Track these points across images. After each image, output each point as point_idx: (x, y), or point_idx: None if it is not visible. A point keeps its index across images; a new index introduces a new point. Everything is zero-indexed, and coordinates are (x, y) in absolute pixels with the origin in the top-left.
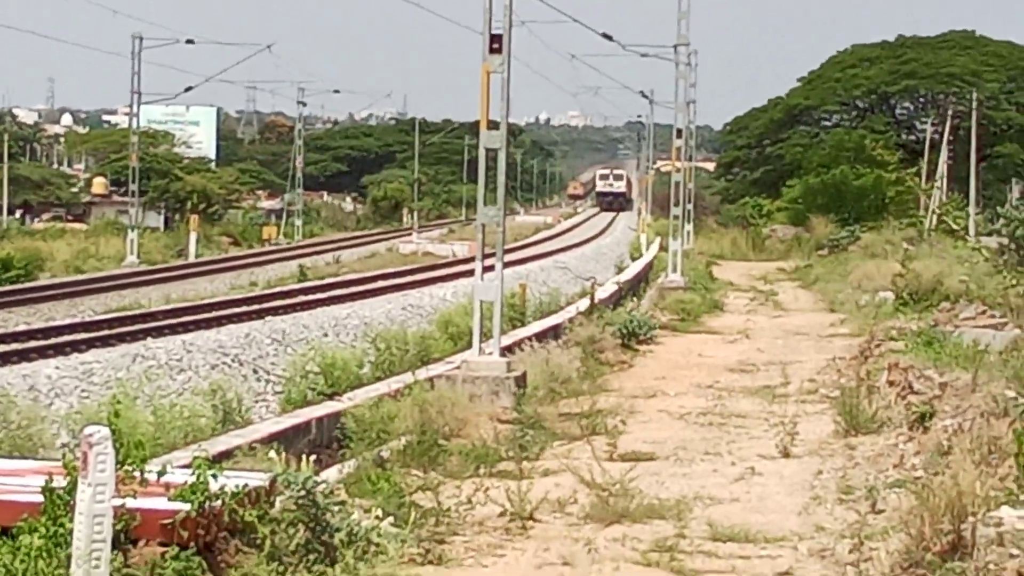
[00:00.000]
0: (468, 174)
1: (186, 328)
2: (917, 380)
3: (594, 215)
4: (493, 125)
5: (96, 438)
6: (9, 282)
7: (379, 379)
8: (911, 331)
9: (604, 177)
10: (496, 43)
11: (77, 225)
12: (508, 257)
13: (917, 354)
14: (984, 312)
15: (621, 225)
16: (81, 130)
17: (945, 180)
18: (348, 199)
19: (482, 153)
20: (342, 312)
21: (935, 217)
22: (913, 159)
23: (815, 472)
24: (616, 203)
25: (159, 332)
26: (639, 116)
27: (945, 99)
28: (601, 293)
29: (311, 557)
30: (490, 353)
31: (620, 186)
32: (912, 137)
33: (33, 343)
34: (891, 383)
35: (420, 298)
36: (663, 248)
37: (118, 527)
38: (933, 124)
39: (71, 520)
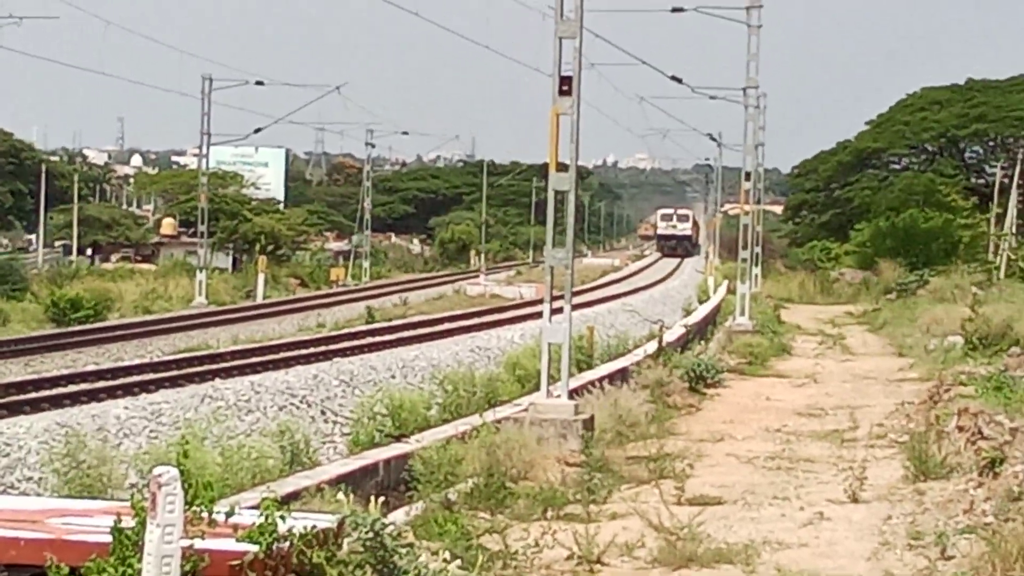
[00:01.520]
0: (536, 216)
1: (254, 369)
2: (987, 425)
3: (661, 258)
4: (562, 167)
5: (165, 478)
6: (79, 322)
7: (447, 421)
8: (981, 376)
9: (667, 218)
10: (566, 85)
11: (146, 266)
12: (576, 300)
13: (987, 399)
14: None
15: (688, 268)
16: (150, 171)
17: (1015, 224)
18: (416, 241)
19: (551, 195)
20: (410, 354)
21: (1005, 261)
22: (982, 203)
23: (884, 517)
24: (680, 247)
25: (227, 373)
26: (707, 159)
27: (1015, 143)
28: (669, 336)
29: None
30: (558, 396)
31: (685, 228)
32: (981, 181)
33: (102, 383)
34: (961, 428)
35: (488, 340)
36: (731, 291)
37: (186, 568)
38: (1002, 168)
39: (139, 561)
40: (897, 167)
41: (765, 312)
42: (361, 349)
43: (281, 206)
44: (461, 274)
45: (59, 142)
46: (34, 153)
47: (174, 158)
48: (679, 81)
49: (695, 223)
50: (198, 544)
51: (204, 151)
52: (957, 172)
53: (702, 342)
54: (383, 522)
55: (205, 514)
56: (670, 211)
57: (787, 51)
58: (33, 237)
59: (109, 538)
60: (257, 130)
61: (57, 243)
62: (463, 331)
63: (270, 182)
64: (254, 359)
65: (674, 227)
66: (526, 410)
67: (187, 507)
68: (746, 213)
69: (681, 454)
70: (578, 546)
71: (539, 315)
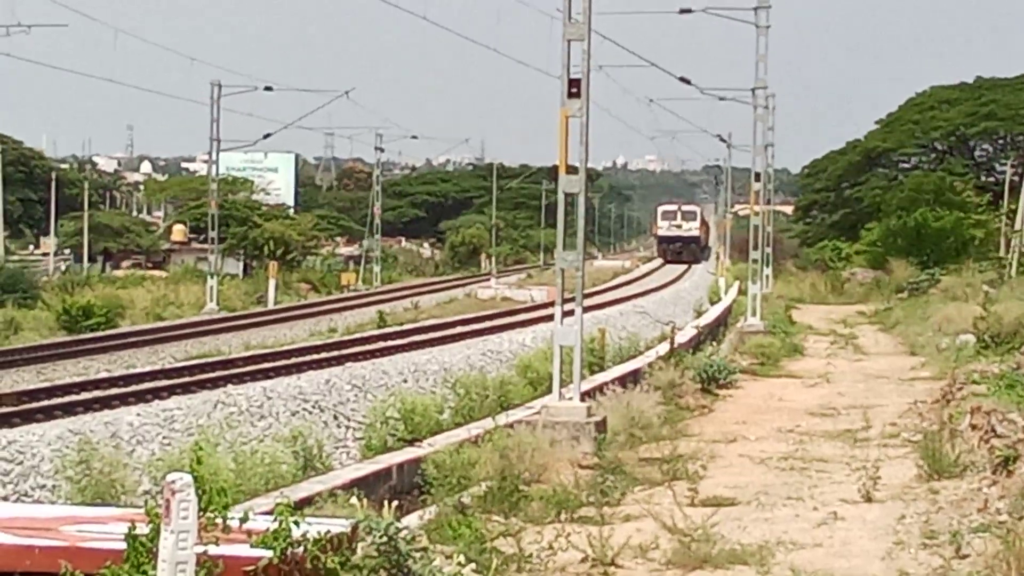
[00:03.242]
0: (546, 219)
1: (266, 375)
2: (1000, 424)
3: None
4: (572, 169)
5: (178, 485)
6: (90, 330)
7: (459, 425)
8: (993, 374)
9: (669, 216)
10: (574, 87)
11: (157, 272)
12: (587, 302)
13: (1000, 397)
14: None
15: (699, 270)
16: (160, 177)
17: None
18: (426, 245)
19: (561, 198)
20: (422, 358)
21: (1017, 258)
22: (993, 201)
23: (898, 517)
24: (687, 251)
25: (240, 379)
26: (717, 160)
27: None
28: (680, 337)
29: None
30: (570, 398)
31: (691, 228)
32: (991, 179)
33: (115, 390)
34: (974, 427)
35: (499, 343)
36: (742, 292)
37: (201, 574)
38: (1013, 166)
39: (154, 567)
40: (907, 166)
41: (776, 312)
42: (373, 354)
43: (291, 211)
44: (472, 278)
45: (69, 150)
46: (44, 161)
47: (184, 165)
48: (688, 82)
49: (703, 222)
50: (212, 550)
51: (214, 157)
52: (967, 171)
53: (714, 343)
54: (397, 526)
55: (219, 520)
56: (673, 207)
57: (796, 51)
58: (51, 241)
59: (123, 545)
60: (266, 135)
61: (66, 251)
62: (474, 335)
63: (280, 187)
64: (266, 364)
65: (678, 227)
66: (538, 413)
67: (201, 513)
68: (756, 214)
69: (694, 455)
70: (592, 548)
71: (550, 318)
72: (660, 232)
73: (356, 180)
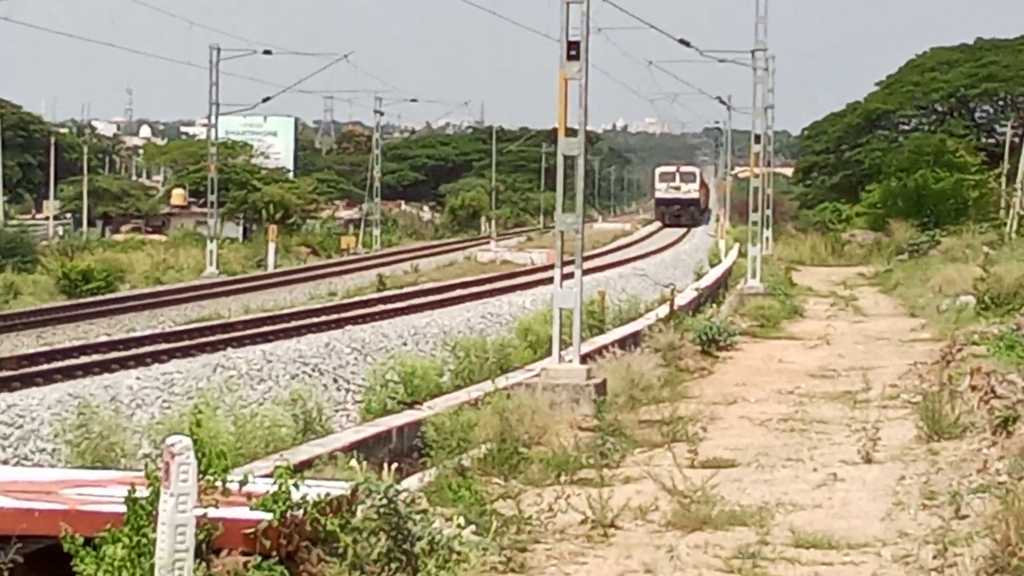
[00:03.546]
0: (546, 182)
1: (266, 338)
2: (1000, 384)
3: (662, 228)
4: (571, 132)
5: (178, 448)
6: (90, 294)
7: (459, 387)
8: (993, 335)
9: (667, 177)
10: (573, 50)
11: (156, 236)
12: (587, 264)
13: (999, 358)
14: None
15: (699, 232)
16: (160, 142)
17: None
18: (426, 208)
19: (560, 160)
20: (421, 321)
21: (1017, 220)
22: (993, 162)
23: (898, 478)
24: (685, 214)
25: (239, 342)
26: (717, 122)
27: None
28: (680, 300)
29: (393, 566)
30: (570, 360)
31: (690, 190)
32: (992, 140)
33: (114, 354)
34: (973, 388)
35: (499, 306)
36: (742, 254)
37: (200, 537)
38: (1013, 127)
39: (154, 530)
40: (907, 128)
41: (776, 275)
42: (373, 317)
43: (291, 175)
44: (472, 241)
45: (68, 114)
46: (43, 125)
47: (183, 129)
48: (687, 44)
49: (703, 183)
50: (212, 513)
51: (213, 121)
52: (967, 132)
53: (714, 305)
54: (396, 489)
55: (219, 483)
56: (671, 169)
57: (796, 13)
58: (51, 204)
59: (123, 508)
60: (266, 99)
61: (67, 215)
62: (474, 297)
63: (279, 151)
64: (266, 328)
65: (676, 188)
66: (538, 375)
67: (201, 476)
68: (756, 176)
69: (694, 417)
70: (592, 510)
71: (550, 281)
72: (658, 195)
73: (355, 143)
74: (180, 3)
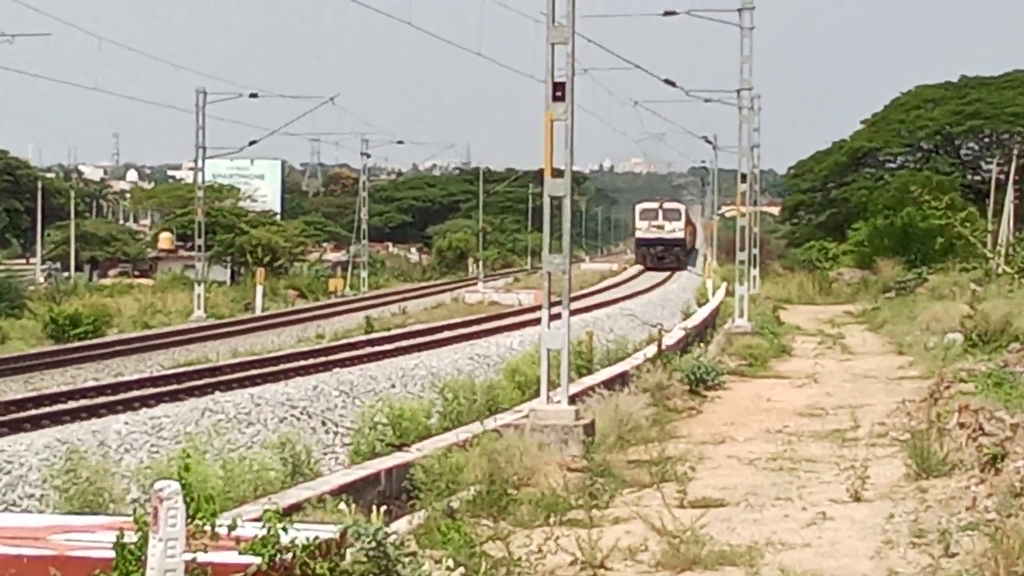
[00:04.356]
0: (533, 222)
1: (254, 381)
2: (988, 422)
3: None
4: (557, 173)
5: (166, 492)
6: (78, 338)
7: (447, 429)
8: (981, 372)
9: (649, 215)
10: (559, 91)
11: (144, 280)
12: (574, 305)
13: (987, 395)
14: None
15: (687, 271)
16: (146, 185)
17: (1012, 220)
18: (413, 250)
19: (547, 201)
20: (409, 363)
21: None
22: (979, 200)
23: (887, 516)
24: (670, 256)
25: (227, 386)
26: (703, 161)
27: (1010, 139)
28: (668, 339)
29: None
30: (558, 401)
31: (675, 229)
32: (978, 177)
33: (102, 399)
34: (962, 425)
35: (487, 347)
36: (729, 293)
37: None
38: (998, 164)
39: (143, 575)
40: (893, 166)
41: (764, 313)
42: (360, 359)
43: (278, 218)
44: (459, 282)
45: (54, 159)
46: (29, 170)
47: (170, 172)
48: (673, 84)
49: (688, 221)
50: (201, 558)
51: (199, 165)
52: (953, 169)
53: (702, 345)
54: (386, 531)
55: (207, 527)
56: (654, 205)
57: (780, 52)
58: (38, 250)
59: (112, 553)
60: (252, 142)
61: (53, 262)
62: (462, 339)
63: (266, 194)
64: (254, 371)
65: (659, 227)
66: (527, 416)
67: (189, 521)
68: (743, 215)
69: (683, 457)
70: (581, 551)
71: (538, 321)
72: (639, 234)
73: (343, 186)
74: (166, 47)
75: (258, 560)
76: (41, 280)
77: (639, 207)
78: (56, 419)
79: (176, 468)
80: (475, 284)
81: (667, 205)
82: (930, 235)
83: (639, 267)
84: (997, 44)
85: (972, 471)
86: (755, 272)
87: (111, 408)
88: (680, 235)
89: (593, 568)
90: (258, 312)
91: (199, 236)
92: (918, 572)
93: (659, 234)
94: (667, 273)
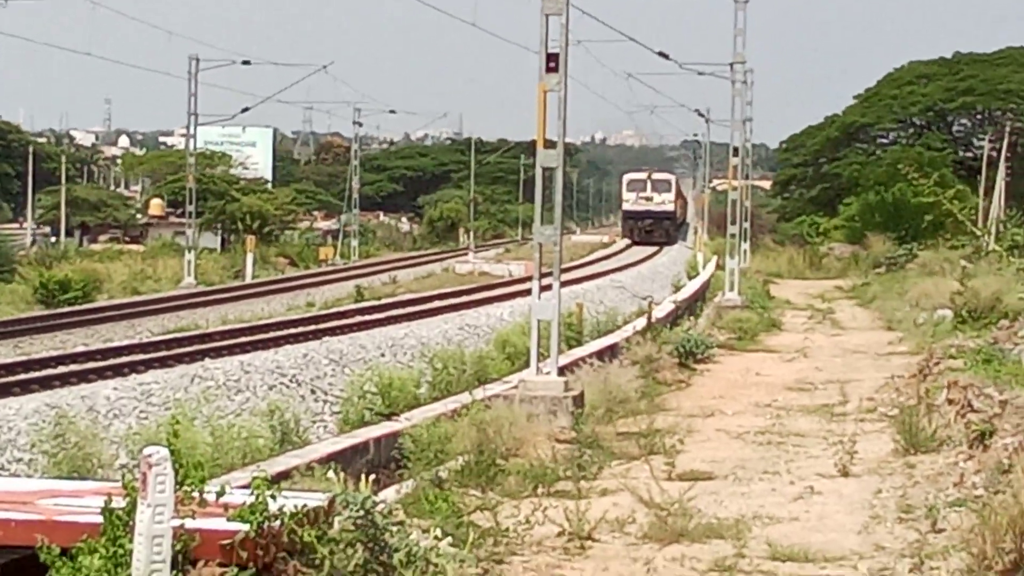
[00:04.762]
0: (524, 194)
1: (243, 349)
2: (976, 398)
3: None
4: (550, 144)
5: (155, 459)
6: (67, 303)
7: (436, 399)
8: (970, 349)
9: (636, 186)
10: (553, 62)
11: (134, 246)
12: (565, 276)
13: (976, 372)
14: None
15: (677, 245)
16: (138, 152)
17: (1003, 197)
18: (404, 219)
19: (539, 172)
20: (399, 332)
21: (995, 233)
22: (970, 176)
23: (874, 491)
24: (659, 229)
25: (217, 353)
26: (695, 135)
27: (1003, 116)
28: (658, 312)
29: None
30: (547, 373)
31: (664, 201)
32: (970, 154)
33: (92, 364)
34: (950, 401)
35: (477, 318)
36: (720, 267)
37: (177, 548)
38: (991, 141)
39: (131, 541)
40: (885, 141)
41: (754, 287)
42: (350, 328)
43: (269, 185)
44: (450, 252)
45: (46, 124)
46: (21, 135)
47: (161, 139)
48: (666, 57)
49: (679, 194)
50: (189, 524)
51: (191, 131)
52: (945, 146)
53: (691, 318)
54: (374, 500)
55: (196, 494)
56: (642, 176)
57: (774, 25)
58: (29, 215)
59: (100, 519)
60: (244, 110)
61: (44, 226)
62: (452, 309)
63: (258, 162)
64: (243, 339)
65: (648, 199)
66: (516, 387)
67: (178, 487)
68: (734, 188)
69: (671, 430)
70: (569, 522)
71: (528, 292)
72: (626, 206)
73: (334, 154)
74: (159, 13)
75: (246, 527)
76: (25, 245)
77: (626, 177)
78: (45, 384)
79: (165, 434)
80: (466, 254)
81: (656, 176)
82: (921, 211)
83: (627, 241)
84: (991, 21)
85: (960, 447)
86: (746, 246)
87: (100, 373)
88: (670, 208)
89: (580, 539)
90: (248, 280)
91: (190, 203)
92: (905, 547)
93: (647, 206)
94: (657, 247)
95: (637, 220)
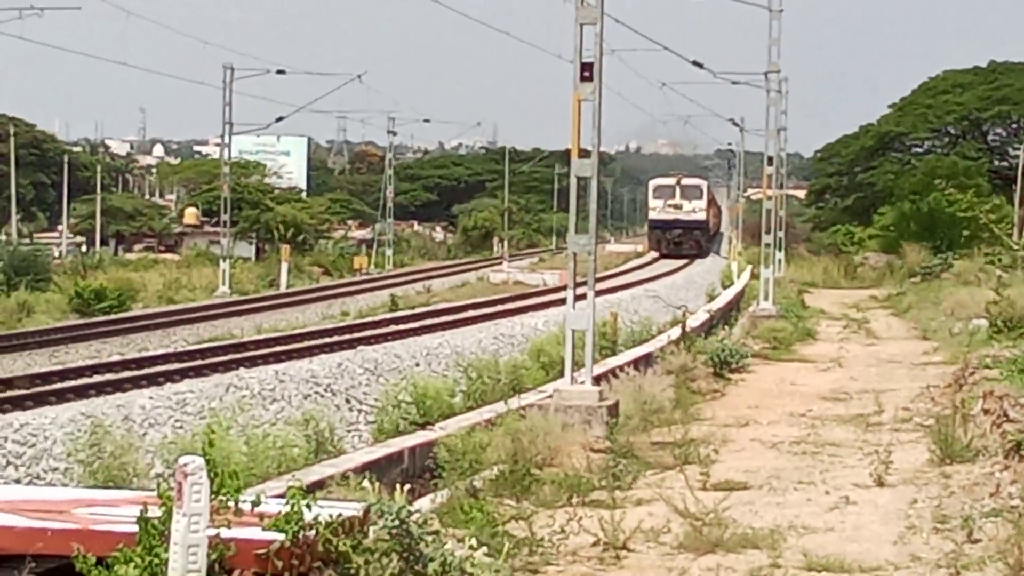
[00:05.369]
0: (558, 203)
1: (278, 358)
2: (1012, 408)
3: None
4: (584, 153)
5: (190, 468)
6: (102, 313)
7: (471, 408)
8: (1006, 359)
9: (664, 192)
10: (587, 71)
11: (169, 255)
12: (599, 286)
13: (1012, 382)
14: None
15: (709, 258)
16: (173, 161)
17: None
18: (438, 228)
19: (573, 181)
20: (434, 342)
21: None
22: (1006, 185)
23: (910, 501)
24: (688, 240)
25: (252, 362)
26: (729, 144)
27: None
28: (693, 321)
29: None
30: (582, 382)
31: (694, 209)
32: (1005, 163)
33: (127, 373)
34: (986, 411)
35: (511, 327)
36: (754, 276)
37: (213, 557)
38: None
39: (166, 550)
40: (920, 150)
41: (789, 297)
42: (385, 337)
43: (303, 195)
44: (484, 261)
45: (81, 133)
46: (56, 144)
47: (196, 148)
48: (701, 66)
49: (712, 201)
50: (224, 533)
51: (226, 140)
52: (980, 155)
53: (726, 327)
54: (409, 510)
55: (231, 503)
56: (670, 182)
57: (809, 35)
58: (63, 224)
59: (135, 528)
60: (279, 119)
61: (78, 236)
62: (487, 318)
63: (292, 171)
64: (278, 348)
65: (676, 207)
66: (550, 397)
67: (213, 496)
68: (769, 198)
69: (706, 439)
70: (604, 532)
71: (562, 302)
72: (652, 215)
73: (368, 163)
74: (194, 23)
75: (281, 536)
76: (56, 255)
77: (653, 183)
78: (81, 393)
79: (200, 444)
80: (500, 264)
81: (685, 181)
82: (956, 221)
83: (654, 253)
84: None
85: (996, 457)
86: (780, 255)
87: (135, 383)
88: (701, 216)
89: (615, 549)
90: (283, 289)
91: (224, 212)
92: (941, 558)
93: (676, 215)
94: (687, 259)
95: (664, 230)
